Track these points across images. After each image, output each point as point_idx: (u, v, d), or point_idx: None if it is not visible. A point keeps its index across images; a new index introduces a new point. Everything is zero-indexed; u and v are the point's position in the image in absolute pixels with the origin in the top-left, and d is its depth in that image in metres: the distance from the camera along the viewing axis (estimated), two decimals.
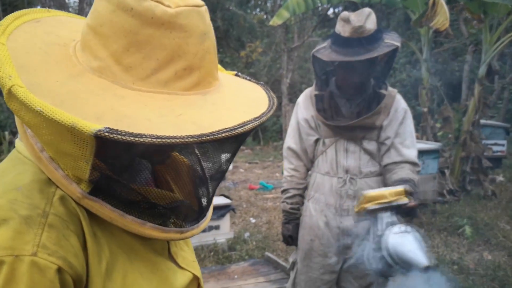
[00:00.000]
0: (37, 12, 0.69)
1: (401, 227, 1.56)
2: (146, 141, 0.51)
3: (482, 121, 7.30)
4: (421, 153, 5.07)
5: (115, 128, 0.51)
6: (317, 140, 2.13)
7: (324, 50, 1.98)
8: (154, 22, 0.58)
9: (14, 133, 8.38)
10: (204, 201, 0.75)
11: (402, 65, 12.98)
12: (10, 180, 0.62)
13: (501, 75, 12.13)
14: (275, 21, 5.85)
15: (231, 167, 8.50)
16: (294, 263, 2.23)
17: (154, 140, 0.52)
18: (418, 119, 6.63)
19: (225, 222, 4.22)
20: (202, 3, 0.63)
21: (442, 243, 4.29)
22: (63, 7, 6.83)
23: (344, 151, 2.05)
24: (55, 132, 0.54)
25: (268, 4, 13.35)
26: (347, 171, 2.04)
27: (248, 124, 0.59)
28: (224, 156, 0.71)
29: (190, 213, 0.74)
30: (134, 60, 0.59)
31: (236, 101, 0.67)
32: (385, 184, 2.03)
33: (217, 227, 4.09)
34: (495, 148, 7.68)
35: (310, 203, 2.14)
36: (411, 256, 1.48)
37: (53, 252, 0.57)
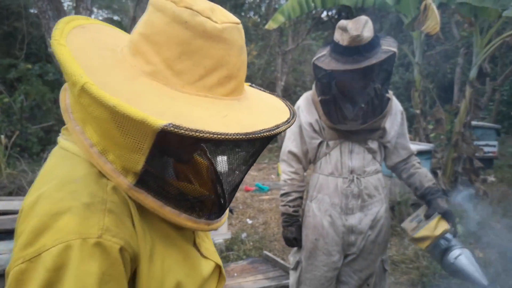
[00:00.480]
0: (80, 19, 0.77)
1: (454, 253, 1.96)
2: (205, 136, 0.59)
3: (474, 123, 7.42)
4: None
5: (178, 124, 0.58)
6: (320, 143, 2.17)
7: (324, 58, 2.04)
8: (205, 35, 0.66)
9: (9, 137, 8.37)
10: (228, 196, 0.83)
11: (395, 67, 13.11)
12: (65, 174, 0.68)
13: (492, 77, 12.32)
14: (271, 25, 5.91)
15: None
16: (298, 262, 2.27)
17: (211, 135, 0.59)
18: (411, 121, 6.75)
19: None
20: (239, 21, 0.72)
21: None
22: (59, 10, 6.87)
23: (349, 153, 2.12)
24: (120, 126, 0.61)
25: (263, 8, 13.43)
26: (352, 171, 2.11)
27: (281, 126, 0.68)
28: (252, 155, 0.78)
29: (215, 207, 0.81)
30: (184, 67, 0.67)
31: (263, 108, 0.76)
32: (402, 178, 2.28)
33: None
34: (486, 149, 7.82)
35: (313, 203, 2.19)
36: (472, 278, 1.97)
37: (115, 234, 0.64)
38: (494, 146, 7.93)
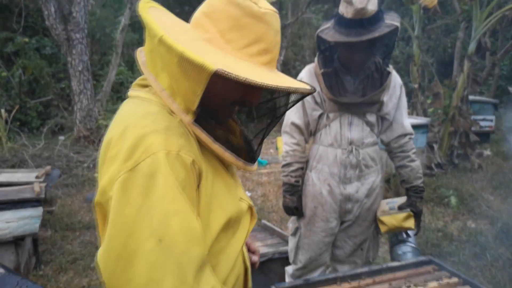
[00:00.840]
0: (152, 3, 0.97)
1: (405, 248, 2.14)
2: (247, 81, 0.76)
3: (471, 97, 7.46)
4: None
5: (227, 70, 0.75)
6: (320, 115, 2.23)
7: (328, 31, 2.07)
8: (251, 15, 0.87)
9: (9, 112, 8.41)
10: (257, 147, 1.06)
11: (395, 41, 13.00)
12: (144, 110, 0.88)
13: (492, 51, 12.26)
14: None
15: None
16: (297, 228, 2.37)
17: (251, 80, 0.76)
18: (409, 95, 6.75)
19: None
20: (277, 11, 0.92)
21: (428, 213, 4.50)
22: None
23: (348, 124, 2.17)
24: (184, 70, 0.80)
25: None
26: (351, 143, 2.17)
27: (302, 89, 0.87)
28: (277, 112, 1.04)
29: (248, 155, 1.02)
30: (234, 37, 0.88)
31: (290, 79, 0.96)
32: (393, 162, 2.34)
33: None
34: (483, 123, 7.90)
35: (312, 173, 2.27)
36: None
37: (188, 151, 0.84)
38: (491, 120, 8.00)
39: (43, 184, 3.65)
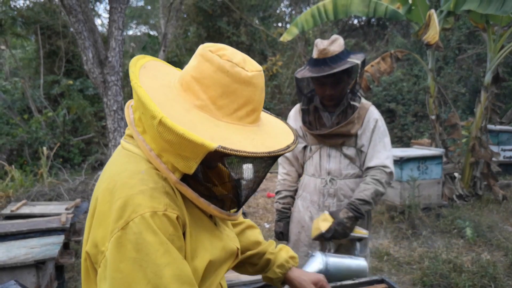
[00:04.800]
0: (140, 59, 1.03)
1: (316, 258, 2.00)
2: (243, 155, 0.85)
3: (499, 127, 7.36)
4: (424, 159, 5.30)
5: (225, 146, 0.84)
6: (305, 147, 2.46)
7: (300, 71, 2.35)
8: (240, 81, 0.93)
9: (51, 148, 9.07)
10: (243, 197, 1.10)
11: (426, 73, 12.97)
12: (133, 167, 0.94)
13: None
14: (285, 37, 6.17)
15: None
16: None
17: (247, 154, 0.85)
18: (428, 127, 6.64)
19: None
20: (261, 68, 0.98)
21: (443, 245, 4.46)
22: (93, 31, 7.46)
23: (327, 156, 2.37)
24: (183, 145, 0.85)
25: (287, 18, 13.69)
26: (329, 173, 2.36)
27: (291, 146, 0.96)
28: (265, 168, 1.05)
29: (233, 204, 1.10)
30: (224, 103, 0.93)
31: (276, 131, 1.03)
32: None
33: None
34: None
35: (298, 200, 2.47)
36: None
37: (173, 208, 0.91)
38: None
39: (70, 215, 3.97)
